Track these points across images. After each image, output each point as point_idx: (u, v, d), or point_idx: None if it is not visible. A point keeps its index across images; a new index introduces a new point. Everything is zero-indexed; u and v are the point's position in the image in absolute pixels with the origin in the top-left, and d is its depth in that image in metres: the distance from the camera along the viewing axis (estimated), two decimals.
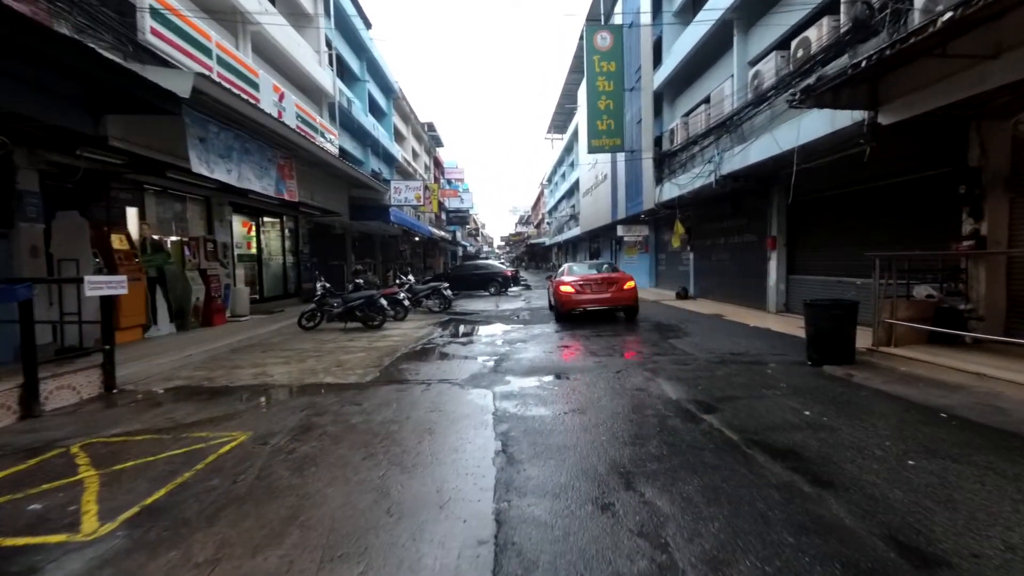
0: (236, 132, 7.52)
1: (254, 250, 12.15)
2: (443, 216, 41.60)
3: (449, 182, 44.28)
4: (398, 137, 27.16)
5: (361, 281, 12.13)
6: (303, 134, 10.77)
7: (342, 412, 4.68)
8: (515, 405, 4.75)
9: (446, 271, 23.28)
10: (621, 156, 19.65)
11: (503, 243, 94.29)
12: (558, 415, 4.40)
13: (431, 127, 38.33)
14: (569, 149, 41.91)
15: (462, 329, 10.62)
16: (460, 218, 42.51)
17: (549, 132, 49.54)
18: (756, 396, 4.77)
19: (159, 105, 5.68)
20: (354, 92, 18.75)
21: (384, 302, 10.87)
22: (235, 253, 11.06)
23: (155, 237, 8.18)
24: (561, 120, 42.51)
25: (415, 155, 30.84)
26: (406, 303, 12.25)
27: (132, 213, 7.97)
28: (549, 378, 5.82)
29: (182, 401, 5.28)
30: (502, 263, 32.68)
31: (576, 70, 32.61)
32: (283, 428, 4.28)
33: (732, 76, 10.88)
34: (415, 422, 4.35)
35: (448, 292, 14.64)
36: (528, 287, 25.59)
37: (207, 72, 7.93)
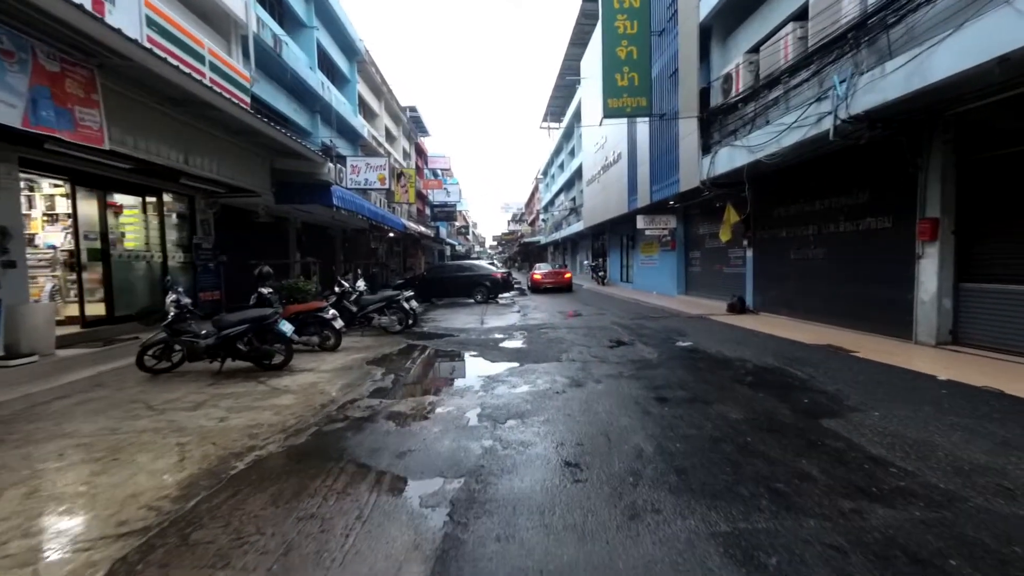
0: None
1: (96, 243, 7.76)
2: (427, 211, 37.28)
3: (435, 173, 39.92)
4: (367, 112, 22.79)
5: (268, 291, 7.80)
6: (158, 48, 6.41)
7: None
8: None
9: (421, 273, 18.96)
10: (643, 127, 15.46)
11: (495, 243, 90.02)
12: None
13: (413, 109, 33.98)
14: (568, 135, 37.74)
15: (416, 374, 6.32)
16: (446, 213, 38.11)
17: (545, 120, 45.42)
18: None
19: None
20: (298, 41, 14.40)
21: (287, 327, 6.53)
22: (26, 243, 6.70)
23: None
24: (559, 105, 38.38)
25: (390, 137, 26.45)
26: (338, 324, 7.94)
27: None
28: None
29: None
30: (492, 264, 28.47)
31: (577, 42, 28.45)
32: None
33: None
34: None
35: (411, 304, 10.36)
36: (523, 292, 21.31)
37: None
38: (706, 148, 10.92)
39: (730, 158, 9.60)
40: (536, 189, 61.46)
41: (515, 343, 8.46)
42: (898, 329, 7.05)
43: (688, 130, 11.65)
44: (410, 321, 10.52)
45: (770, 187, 9.92)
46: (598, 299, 17.18)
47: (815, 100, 7.00)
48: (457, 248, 52.55)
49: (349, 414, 4.66)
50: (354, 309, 9.84)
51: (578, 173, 31.80)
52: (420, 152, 36.07)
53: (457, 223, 59.20)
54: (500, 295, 17.84)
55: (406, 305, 10.02)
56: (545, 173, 52.67)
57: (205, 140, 8.27)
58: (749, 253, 11.21)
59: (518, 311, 13.79)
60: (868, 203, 7.63)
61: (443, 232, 37.39)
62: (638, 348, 7.55)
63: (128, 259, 8.32)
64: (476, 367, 6.72)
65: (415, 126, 34.30)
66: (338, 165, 15.13)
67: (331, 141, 15.02)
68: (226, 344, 6.26)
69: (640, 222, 15.55)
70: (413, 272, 25.44)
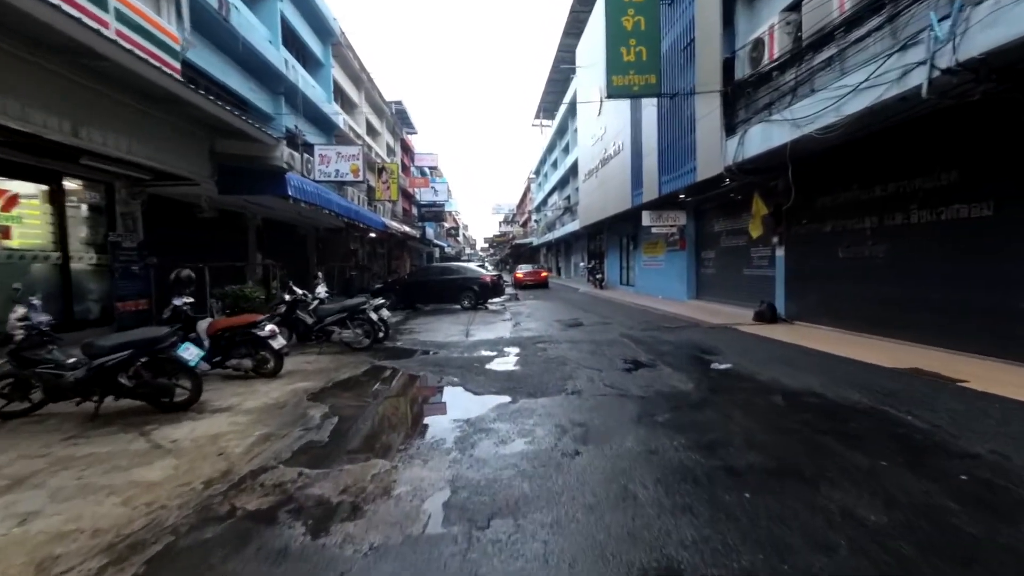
0: None
1: None
2: (414, 211, 35.51)
3: (422, 171, 38.15)
4: (345, 103, 21.00)
5: (184, 303, 6.02)
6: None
7: None
8: None
9: (403, 277, 17.19)
10: (649, 111, 13.84)
11: (487, 245, 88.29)
12: None
13: (399, 103, 32.24)
14: (562, 131, 36.17)
15: (368, 416, 4.56)
16: (434, 213, 36.30)
17: (537, 118, 43.90)
18: None
19: None
20: (257, 11, 12.62)
21: (189, 354, 4.76)
22: None
23: None
24: (552, 101, 36.85)
25: (372, 131, 24.63)
26: (277, 343, 6.17)
27: None
28: None
29: None
30: (482, 266, 26.77)
31: (571, 32, 26.88)
32: None
33: None
34: None
35: (381, 313, 8.66)
36: (516, 297, 19.60)
37: None
38: (731, 129, 9.30)
39: (765, 137, 7.97)
40: (528, 189, 59.89)
41: (506, 364, 6.75)
42: (1005, 348, 5.43)
43: (707, 109, 10.03)
44: (380, 334, 8.80)
45: (811, 172, 8.30)
46: (599, 305, 15.53)
47: (898, 49, 5.36)
48: (446, 250, 50.77)
49: (240, 503, 2.92)
50: (309, 321, 8.08)
51: (573, 170, 30.22)
52: (406, 149, 34.31)
53: (447, 224, 57.42)
54: (490, 300, 16.13)
55: (373, 315, 8.27)
56: (537, 172, 51.13)
57: (110, 108, 6.49)
58: (780, 252, 9.60)
59: (510, 319, 12.09)
60: (957, 184, 6.01)
61: (431, 233, 35.60)
62: (664, 373, 5.86)
63: (17, 261, 6.48)
64: (453, 404, 5.01)
65: (400, 121, 32.55)
66: (305, 155, 13.35)
67: (296, 127, 13.23)
68: (102, 378, 4.46)
69: (646, 219, 13.92)
70: (399, 274, 23.62)
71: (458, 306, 15.13)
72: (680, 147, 11.67)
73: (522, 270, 26.74)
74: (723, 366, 6.08)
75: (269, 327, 6.17)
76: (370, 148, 21.71)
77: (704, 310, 11.93)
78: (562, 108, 32.74)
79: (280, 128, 13.17)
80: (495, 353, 7.62)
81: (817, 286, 8.63)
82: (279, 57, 12.50)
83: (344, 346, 8.25)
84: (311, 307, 8.52)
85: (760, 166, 8.75)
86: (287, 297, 7.99)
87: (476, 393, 5.30)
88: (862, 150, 7.29)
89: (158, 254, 9.34)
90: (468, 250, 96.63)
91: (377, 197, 21.10)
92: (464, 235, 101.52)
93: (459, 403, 5.01)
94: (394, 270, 28.08)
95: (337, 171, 13.35)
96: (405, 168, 34.25)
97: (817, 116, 6.64)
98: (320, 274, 9.66)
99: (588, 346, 7.90)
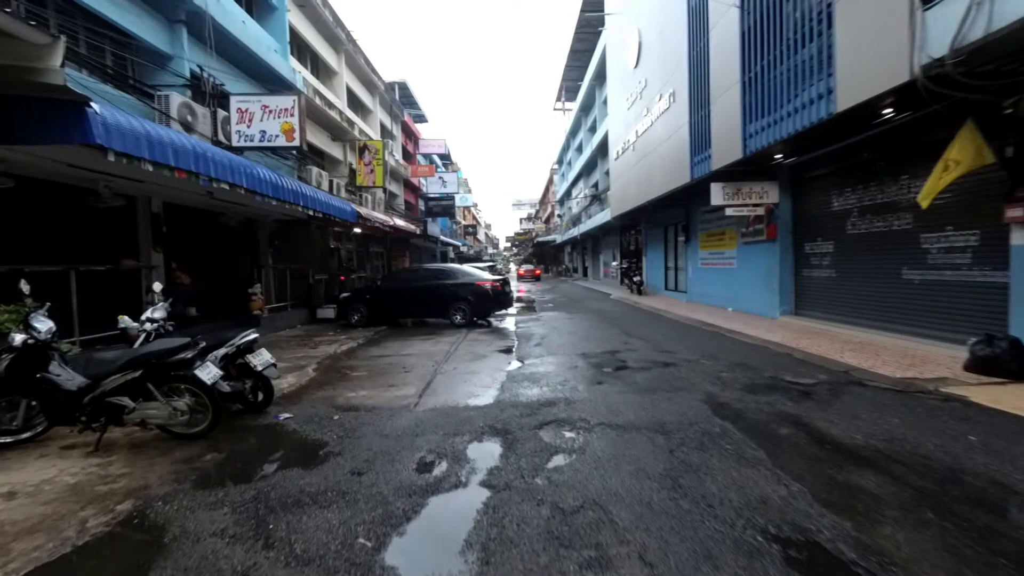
0: None
1: None
2: (421, 205, 31.49)
3: (430, 159, 34.15)
4: (322, 71, 17.04)
5: None
6: None
7: None
8: None
9: (374, 283, 13.05)
10: (725, 24, 9.22)
11: (508, 244, 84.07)
12: None
13: (403, 84, 28.35)
14: (587, 108, 31.58)
15: None
16: (444, 207, 32.16)
17: (559, 100, 39.40)
18: None
19: None
20: None
21: None
22: None
23: None
24: (574, 77, 32.35)
25: (359, 106, 20.58)
26: None
27: None
28: None
29: None
30: (492, 267, 22.50)
31: None
32: None
33: None
34: None
35: (252, 360, 4.54)
36: (531, 307, 15.17)
37: None
38: None
39: None
40: (551, 181, 55.36)
41: (446, 550, 2.39)
42: None
43: None
44: (260, 395, 4.73)
45: None
46: (643, 322, 11.01)
47: None
48: (462, 249, 46.61)
49: None
50: (71, 386, 3.91)
51: (601, 149, 25.62)
52: (409, 134, 30.32)
53: (464, 221, 53.33)
54: (493, 313, 11.89)
55: (207, 372, 4.05)
56: (560, 161, 46.56)
57: None
58: (1021, 238, 4.94)
59: (511, 350, 7.76)
60: None
61: (436, 229, 31.48)
62: None
63: None
64: None
65: (404, 103, 28.58)
66: (216, 109, 9.34)
67: (201, 68, 9.22)
68: None
69: (716, 195, 9.34)
70: (372, 280, 19.42)
71: (448, 321, 10.94)
72: (788, 67, 7.04)
73: (523, 268, 40.80)
74: None
75: None
76: (352, 124, 17.67)
77: (829, 339, 7.29)
78: (587, 78, 28.11)
79: (183, 71, 9.18)
80: (443, 469, 3.33)
81: None
82: None
83: (163, 430, 4.11)
84: (110, 352, 4.39)
85: (991, 61, 4.15)
86: (15, 340, 3.84)
87: None
88: None
89: None
90: (491, 249, 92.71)
91: (359, 183, 17.07)
92: (487, 234, 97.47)
93: None
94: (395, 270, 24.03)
95: (263, 133, 9.29)
96: (409, 156, 30.32)
97: None
98: (157, 286, 5.49)
99: (652, 454, 3.51)
